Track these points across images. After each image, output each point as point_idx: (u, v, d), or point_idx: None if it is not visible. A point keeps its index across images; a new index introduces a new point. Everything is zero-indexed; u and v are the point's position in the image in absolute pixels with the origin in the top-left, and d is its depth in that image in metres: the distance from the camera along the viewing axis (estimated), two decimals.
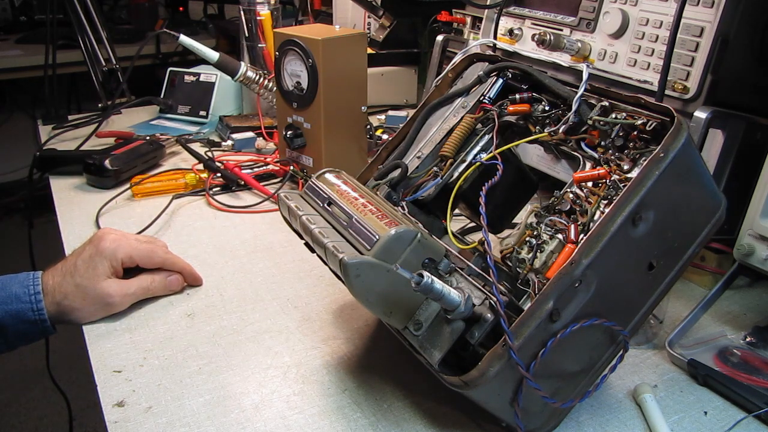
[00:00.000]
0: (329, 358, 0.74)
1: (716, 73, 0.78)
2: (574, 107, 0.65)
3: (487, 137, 0.73)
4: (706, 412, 0.66)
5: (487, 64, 0.78)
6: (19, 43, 2.96)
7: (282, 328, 0.79)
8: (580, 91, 0.65)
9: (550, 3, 0.97)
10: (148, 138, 1.30)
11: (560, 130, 0.67)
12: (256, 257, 0.96)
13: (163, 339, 0.77)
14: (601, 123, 0.63)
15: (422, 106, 0.79)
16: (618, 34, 0.87)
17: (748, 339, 0.77)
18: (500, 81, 0.75)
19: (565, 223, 0.60)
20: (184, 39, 1.27)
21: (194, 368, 0.72)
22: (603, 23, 0.88)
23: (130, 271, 0.83)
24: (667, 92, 0.81)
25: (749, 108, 0.80)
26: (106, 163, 1.18)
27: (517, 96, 0.72)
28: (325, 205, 0.67)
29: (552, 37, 0.90)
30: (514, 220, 0.83)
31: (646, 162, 0.56)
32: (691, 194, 0.60)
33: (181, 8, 3.50)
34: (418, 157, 0.76)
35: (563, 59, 0.92)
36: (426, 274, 0.53)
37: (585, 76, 0.65)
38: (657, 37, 0.83)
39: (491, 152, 0.71)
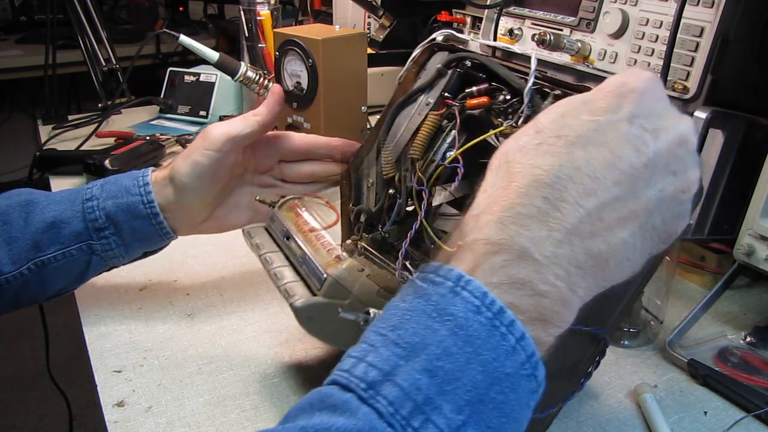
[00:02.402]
0: (329, 358, 0.74)
1: (716, 73, 0.78)
2: (525, 99, 0.61)
3: (453, 133, 0.66)
4: (706, 412, 0.66)
5: (447, 53, 0.71)
6: (19, 43, 2.96)
7: (282, 328, 0.79)
8: (530, 82, 0.61)
9: (550, 3, 0.97)
10: (148, 138, 1.30)
11: (519, 122, 0.63)
12: (256, 257, 0.95)
13: (163, 339, 0.77)
14: None
15: (387, 108, 0.73)
16: (618, 34, 0.87)
17: (748, 339, 0.77)
18: (457, 73, 0.68)
19: None
20: (184, 39, 1.27)
21: (194, 368, 0.72)
22: (603, 23, 0.88)
23: None
24: (666, 92, 0.81)
25: (749, 108, 0.80)
26: (106, 163, 1.17)
27: (474, 89, 0.65)
28: (284, 239, 0.66)
29: (552, 37, 0.90)
30: None
31: None
32: None
33: (181, 8, 3.49)
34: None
35: (563, 59, 0.92)
36: (373, 311, 0.52)
37: (533, 65, 0.60)
38: (657, 37, 0.83)
39: (453, 154, 0.64)
